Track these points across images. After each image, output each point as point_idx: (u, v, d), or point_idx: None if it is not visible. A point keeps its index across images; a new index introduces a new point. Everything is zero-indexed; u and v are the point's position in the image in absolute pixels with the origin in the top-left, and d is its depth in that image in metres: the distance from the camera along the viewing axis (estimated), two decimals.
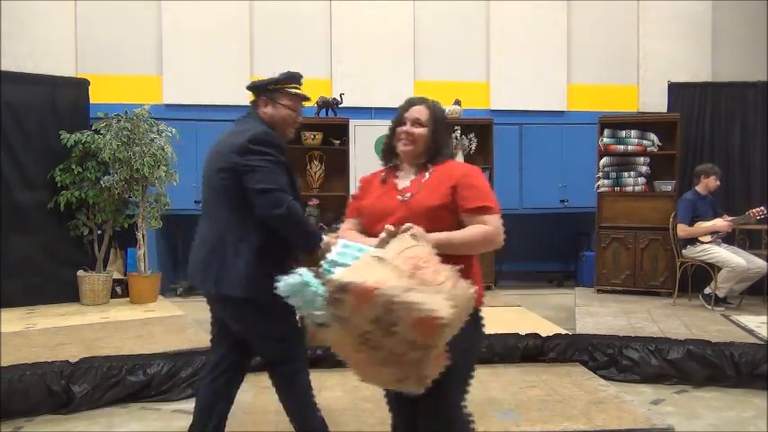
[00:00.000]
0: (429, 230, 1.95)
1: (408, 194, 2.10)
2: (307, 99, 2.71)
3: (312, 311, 1.84)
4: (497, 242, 2.06)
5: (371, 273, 1.70)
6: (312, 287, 1.85)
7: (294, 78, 2.65)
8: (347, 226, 2.24)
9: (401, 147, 2.19)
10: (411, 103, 2.23)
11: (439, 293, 1.70)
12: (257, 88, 2.65)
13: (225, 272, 2.45)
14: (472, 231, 2.03)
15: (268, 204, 2.39)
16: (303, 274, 1.88)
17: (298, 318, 2.48)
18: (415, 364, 1.75)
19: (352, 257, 1.86)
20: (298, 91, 2.64)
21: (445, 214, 2.07)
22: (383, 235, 1.94)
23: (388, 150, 2.27)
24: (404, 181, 2.18)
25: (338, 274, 1.73)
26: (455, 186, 2.08)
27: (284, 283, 1.89)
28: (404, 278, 1.71)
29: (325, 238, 2.46)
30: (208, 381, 2.66)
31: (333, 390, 3.73)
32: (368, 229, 2.15)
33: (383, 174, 2.26)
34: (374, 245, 1.92)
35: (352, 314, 1.71)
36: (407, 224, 1.93)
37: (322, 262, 1.93)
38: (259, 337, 2.59)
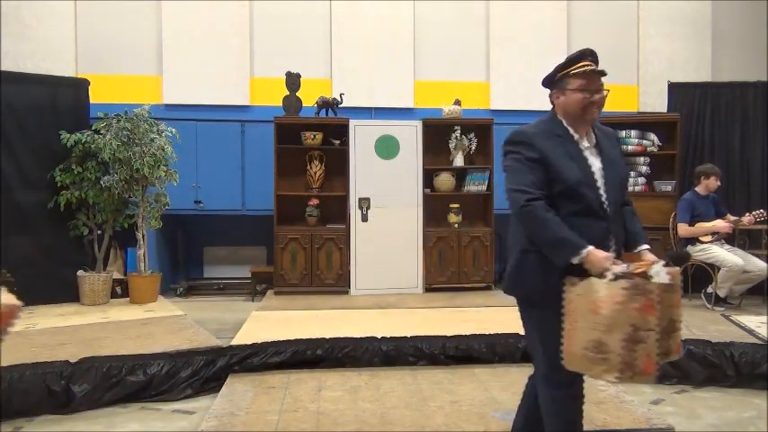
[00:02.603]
0: None
1: None
2: (599, 73, 2.35)
3: None
4: None
5: None
6: None
7: (580, 57, 2.37)
8: None
9: None
10: None
11: None
12: (548, 81, 2.45)
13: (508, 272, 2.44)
14: None
15: (511, 206, 2.29)
16: None
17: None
18: None
19: None
20: (585, 68, 2.33)
21: None
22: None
23: None
24: None
25: None
26: None
27: None
28: None
29: (594, 252, 2.13)
30: (529, 380, 2.57)
31: (333, 390, 3.73)
32: None
33: None
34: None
35: None
36: None
37: None
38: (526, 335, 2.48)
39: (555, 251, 2.19)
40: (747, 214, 5.62)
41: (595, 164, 2.33)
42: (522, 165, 2.27)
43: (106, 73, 7.33)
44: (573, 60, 2.37)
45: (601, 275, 2.10)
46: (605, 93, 2.34)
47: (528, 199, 2.20)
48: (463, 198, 6.95)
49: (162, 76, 7.54)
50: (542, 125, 2.38)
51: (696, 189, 5.88)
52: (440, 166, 6.93)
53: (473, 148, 6.96)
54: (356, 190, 6.64)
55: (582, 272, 2.16)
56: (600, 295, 2.07)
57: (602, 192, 2.30)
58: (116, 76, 7.40)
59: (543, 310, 2.28)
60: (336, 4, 7.80)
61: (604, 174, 2.32)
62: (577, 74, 2.33)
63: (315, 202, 6.77)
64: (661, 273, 2.11)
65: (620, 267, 2.11)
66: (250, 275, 7.11)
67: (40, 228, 6.03)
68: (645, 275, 2.10)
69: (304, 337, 4.26)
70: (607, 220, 2.29)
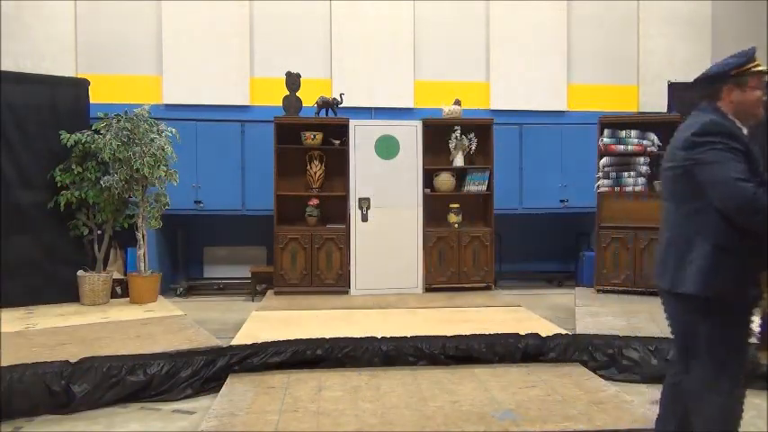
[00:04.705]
0: None
1: None
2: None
3: None
4: None
5: None
6: None
7: (753, 55, 2.38)
8: None
9: None
10: None
11: None
12: (720, 76, 2.41)
13: (680, 270, 2.33)
14: None
15: (724, 197, 2.21)
16: None
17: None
18: None
19: None
20: (762, 67, 2.37)
21: None
22: None
23: None
24: None
25: None
26: None
27: None
28: None
29: None
30: (668, 378, 2.60)
31: (333, 390, 3.73)
32: None
33: None
34: None
35: None
36: None
37: None
38: (696, 340, 2.40)
39: None
40: None
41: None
42: (732, 154, 2.25)
43: (106, 73, 7.33)
44: (750, 58, 2.38)
45: None
46: None
47: (751, 188, 2.18)
48: (463, 198, 6.95)
49: (162, 76, 7.54)
50: (723, 120, 2.37)
51: None
52: (440, 166, 6.94)
53: (473, 148, 6.96)
54: (356, 190, 6.64)
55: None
56: None
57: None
58: (116, 76, 7.40)
59: (737, 314, 2.31)
60: (336, 4, 7.81)
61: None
62: (755, 72, 2.36)
63: (315, 202, 6.77)
64: None
65: None
66: (250, 275, 7.11)
67: (40, 228, 6.02)
68: None
69: (304, 337, 4.26)
70: None
